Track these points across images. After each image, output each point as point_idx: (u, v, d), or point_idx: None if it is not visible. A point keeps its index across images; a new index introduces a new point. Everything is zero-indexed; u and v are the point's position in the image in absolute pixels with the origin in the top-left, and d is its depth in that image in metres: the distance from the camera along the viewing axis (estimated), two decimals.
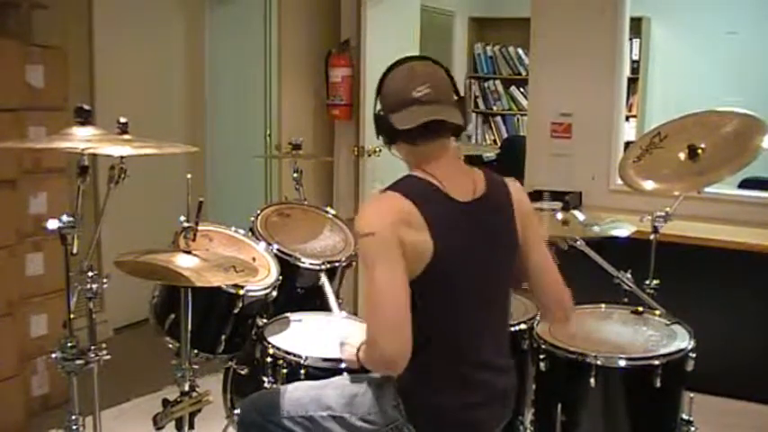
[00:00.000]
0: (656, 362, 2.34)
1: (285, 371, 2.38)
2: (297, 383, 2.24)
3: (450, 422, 1.97)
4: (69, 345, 2.19)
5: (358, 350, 2.05)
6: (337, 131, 4.93)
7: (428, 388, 1.95)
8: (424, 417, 1.95)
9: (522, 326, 2.57)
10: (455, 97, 2.02)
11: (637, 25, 6.11)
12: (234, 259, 2.43)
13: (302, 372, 2.35)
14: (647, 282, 2.74)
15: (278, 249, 2.87)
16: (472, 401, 1.97)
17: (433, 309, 1.94)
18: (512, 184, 2.10)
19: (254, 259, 2.70)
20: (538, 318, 2.58)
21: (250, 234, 2.92)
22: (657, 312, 2.67)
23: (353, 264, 3.07)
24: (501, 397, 2.05)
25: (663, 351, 2.40)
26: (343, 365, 2.33)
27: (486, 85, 7.63)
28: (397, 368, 1.86)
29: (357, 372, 2.10)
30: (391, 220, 1.87)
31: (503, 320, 2.13)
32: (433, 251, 1.88)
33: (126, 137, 2.25)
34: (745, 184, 4.62)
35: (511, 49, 7.47)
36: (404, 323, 1.83)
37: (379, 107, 2.01)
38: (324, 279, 2.89)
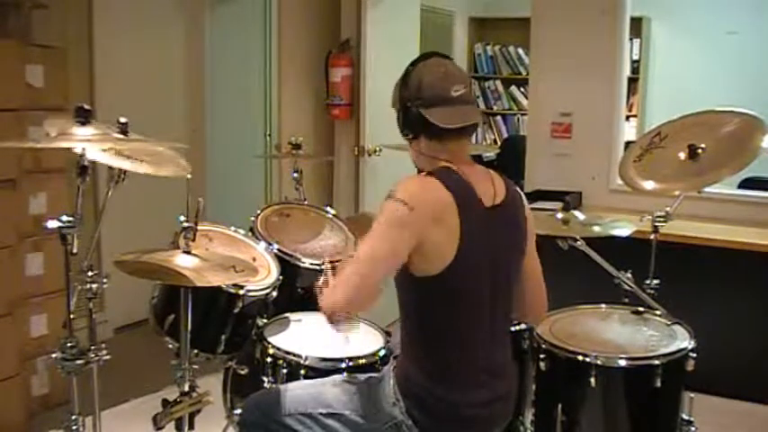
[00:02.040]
0: (656, 362, 2.34)
1: (285, 371, 2.38)
2: (297, 382, 2.25)
3: (450, 421, 1.97)
4: (69, 345, 2.19)
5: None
6: (337, 131, 4.92)
7: (430, 387, 1.95)
8: (424, 414, 1.96)
9: (522, 326, 2.57)
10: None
11: (637, 25, 6.11)
12: (234, 259, 2.43)
13: (302, 372, 2.36)
14: (647, 282, 2.74)
15: (278, 249, 2.87)
16: (474, 401, 1.98)
17: (444, 309, 1.94)
18: (519, 190, 2.12)
19: (254, 259, 2.70)
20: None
21: (250, 234, 2.92)
22: (657, 312, 2.67)
23: None
24: (502, 398, 2.05)
25: (663, 351, 2.40)
26: (343, 365, 2.34)
27: (486, 84, 7.63)
28: (332, 319, 1.90)
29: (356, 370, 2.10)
30: (430, 209, 1.88)
31: (507, 322, 2.14)
32: (455, 256, 1.89)
33: (126, 137, 2.26)
34: (745, 184, 4.62)
35: (511, 49, 7.47)
36: (374, 287, 1.87)
37: (406, 99, 1.99)
38: None
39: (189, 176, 2.29)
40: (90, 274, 2.26)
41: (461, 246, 1.89)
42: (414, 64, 2.03)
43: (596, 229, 2.72)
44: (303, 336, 2.58)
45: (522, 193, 2.11)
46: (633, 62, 6.36)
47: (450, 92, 1.96)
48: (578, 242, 2.62)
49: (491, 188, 2.00)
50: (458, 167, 1.97)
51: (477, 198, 1.95)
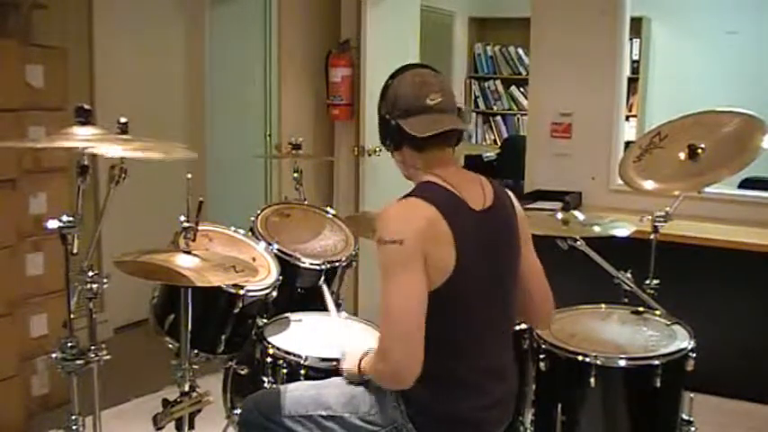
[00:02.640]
0: (656, 362, 2.34)
1: (285, 371, 2.38)
2: (297, 383, 2.24)
3: (451, 423, 1.97)
4: (69, 345, 2.19)
5: (360, 360, 2.05)
6: (337, 131, 4.93)
7: (431, 390, 1.94)
8: (424, 418, 1.95)
9: (523, 326, 2.57)
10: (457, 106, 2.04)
11: (637, 25, 6.11)
12: (234, 259, 2.42)
13: (302, 372, 2.35)
14: (647, 282, 2.74)
15: (278, 249, 2.87)
16: (474, 404, 1.98)
17: (444, 318, 1.93)
18: (509, 192, 2.12)
19: (254, 259, 2.70)
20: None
21: (250, 234, 2.91)
22: (657, 312, 2.67)
23: (353, 264, 3.07)
24: (503, 400, 2.05)
25: (663, 351, 2.40)
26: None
27: (486, 85, 7.64)
28: (405, 382, 1.86)
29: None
30: (419, 231, 1.86)
31: (508, 325, 2.14)
32: (455, 265, 1.88)
33: (126, 137, 2.25)
34: (745, 184, 4.62)
35: (511, 49, 7.47)
36: (417, 337, 1.83)
37: (385, 112, 2.00)
38: (323, 283, 2.86)
39: (189, 176, 2.29)
40: (90, 274, 2.26)
41: (459, 252, 1.88)
42: (392, 77, 2.04)
43: (596, 229, 2.72)
44: (303, 336, 2.58)
45: (511, 195, 2.11)
46: (633, 62, 6.37)
47: (426, 101, 1.96)
48: (578, 242, 2.62)
49: (480, 193, 2.00)
50: (440, 177, 1.96)
51: (464, 204, 1.94)
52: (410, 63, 2.11)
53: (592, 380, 2.35)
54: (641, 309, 2.69)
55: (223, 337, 2.57)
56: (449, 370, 1.96)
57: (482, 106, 7.65)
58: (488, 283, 1.97)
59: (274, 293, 2.67)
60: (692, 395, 2.49)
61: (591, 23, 4.37)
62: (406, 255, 1.84)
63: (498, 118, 7.65)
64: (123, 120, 2.28)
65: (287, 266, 2.82)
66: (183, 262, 2.24)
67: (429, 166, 1.99)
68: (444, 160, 2.01)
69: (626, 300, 2.72)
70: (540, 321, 2.30)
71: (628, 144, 4.27)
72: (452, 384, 1.96)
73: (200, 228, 2.35)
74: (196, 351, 2.50)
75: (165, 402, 2.32)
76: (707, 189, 2.75)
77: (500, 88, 7.60)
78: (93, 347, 2.24)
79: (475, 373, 1.98)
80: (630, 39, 4.84)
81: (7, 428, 3.34)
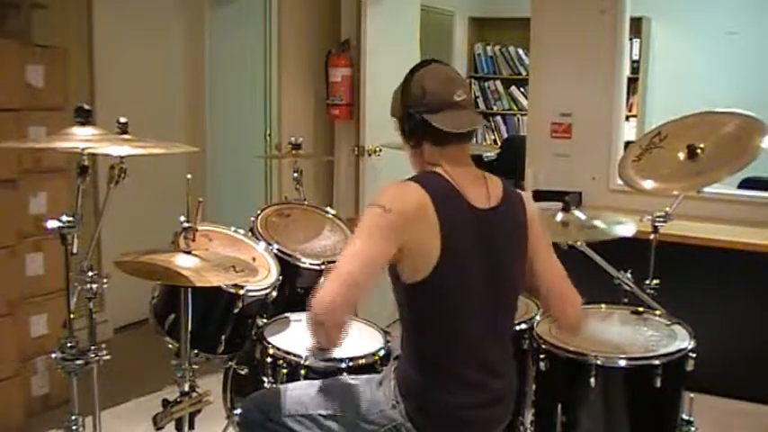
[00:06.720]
0: (656, 362, 2.34)
1: (285, 371, 2.38)
2: (297, 383, 2.25)
3: (449, 422, 1.97)
4: (69, 345, 2.20)
5: None
6: (337, 131, 4.92)
7: (428, 388, 1.95)
8: (423, 416, 1.95)
9: (523, 326, 2.57)
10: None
11: (637, 25, 6.12)
12: (234, 259, 2.42)
13: (302, 372, 2.36)
14: (647, 282, 2.74)
15: (278, 249, 2.87)
16: (472, 402, 1.98)
17: (437, 311, 1.94)
18: (524, 194, 2.12)
19: (254, 259, 2.70)
20: (538, 317, 2.58)
21: (250, 234, 2.92)
22: (657, 312, 2.67)
23: None
24: (501, 399, 2.05)
25: (663, 351, 2.40)
26: (343, 365, 2.34)
27: (486, 85, 7.64)
28: (319, 330, 1.82)
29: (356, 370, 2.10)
30: (408, 210, 1.88)
31: (508, 325, 2.14)
32: (439, 256, 1.88)
33: (126, 137, 2.26)
34: (745, 184, 4.62)
35: (511, 49, 7.47)
36: (353, 300, 1.84)
37: (409, 106, 1.99)
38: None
39: (189, 176, 2.29)
40: (90, 274, 2.26)
41: (444, 247, 1.88)
42: (413, 71, 2.03)
43: (597, 229, 2.72)
44: (303, 336, 2.58)
45: (524, 196, 2.10)
46: (633, 62, 6.37)
47: (454, 97, 1.97)
48: (578, 242, 2.62)
49: (484, 191, 2.00)
50: (447, 171, 1.97)
51: (463, 199, 1.95)
52: (429, 59, 2.10)
53: (592, 380, 2.35)
54: (641, 309, 2.69)
55: (223, 337, 2.57)
56: (445, 367, 1.96)
57: (482, 106, 7.65)
58: (486, 281, 1.96)
59: (274, 293, 2.67)
60: (692, 395, 2.49)
61: (591, 23, 4.37)
62: (386, 223, 1.86)
63: (498, 118, 7.65)
64: (123, 120, 2.28)
65: (287, 266, 2.82)
66: (182, 262, 2.24)
67: (444, 161, 1.99)
68: (459, 157, 2.01)
69: (626, 300, 2.72)
70: (562, 325, 2.28)
71: (628, 144, 4.27)
72: (449, 382, 1.96)
73: (200, 228, 2.35)
74: (196, 351, 2.50)
75: (165, 402, 2.32)
76: (706, 189, 2.76)
77: (500, 88, 7.61)
78: (93, 347, 2.25)
79: (472, 371, 1.98)
80: (630, 39, 4.85)
81: (7, 428, 3.34)
